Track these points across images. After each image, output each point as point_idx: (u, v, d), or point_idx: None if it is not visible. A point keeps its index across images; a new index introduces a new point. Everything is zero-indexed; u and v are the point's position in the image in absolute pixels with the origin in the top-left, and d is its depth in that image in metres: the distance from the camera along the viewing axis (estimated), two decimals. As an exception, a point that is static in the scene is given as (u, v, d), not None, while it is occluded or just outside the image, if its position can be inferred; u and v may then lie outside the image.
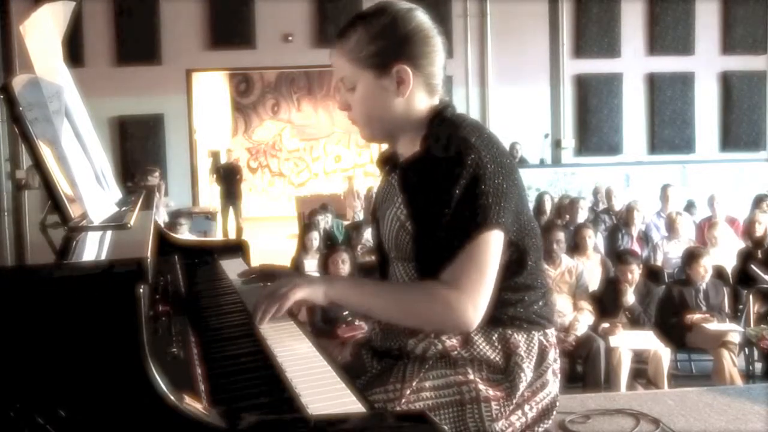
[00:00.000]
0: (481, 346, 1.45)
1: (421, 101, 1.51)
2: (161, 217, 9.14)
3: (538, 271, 1.53)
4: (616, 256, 5.33)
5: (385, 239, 1.55)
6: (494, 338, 1.45)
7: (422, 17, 1.50)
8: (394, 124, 1.52)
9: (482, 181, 1.36)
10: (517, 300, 1.46)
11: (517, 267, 1.46)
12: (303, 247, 6.68)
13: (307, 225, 7.37)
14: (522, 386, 1.45)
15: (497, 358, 1.45)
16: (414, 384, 1.43)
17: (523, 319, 1.47)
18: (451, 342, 1.45)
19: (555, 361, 1.52)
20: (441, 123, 1.48)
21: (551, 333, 1.52)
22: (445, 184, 1.37)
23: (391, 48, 1.47)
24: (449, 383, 1.44)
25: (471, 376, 1.43)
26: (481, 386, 1.42)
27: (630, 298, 4.91)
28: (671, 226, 6.55)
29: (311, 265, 6.25)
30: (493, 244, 1.38)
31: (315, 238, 6.62)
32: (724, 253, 5.97)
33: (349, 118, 1.57)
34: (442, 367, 1.45)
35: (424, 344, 1.46)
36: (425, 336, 1.46)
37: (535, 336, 1.48)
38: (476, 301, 1.36)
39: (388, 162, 1.64)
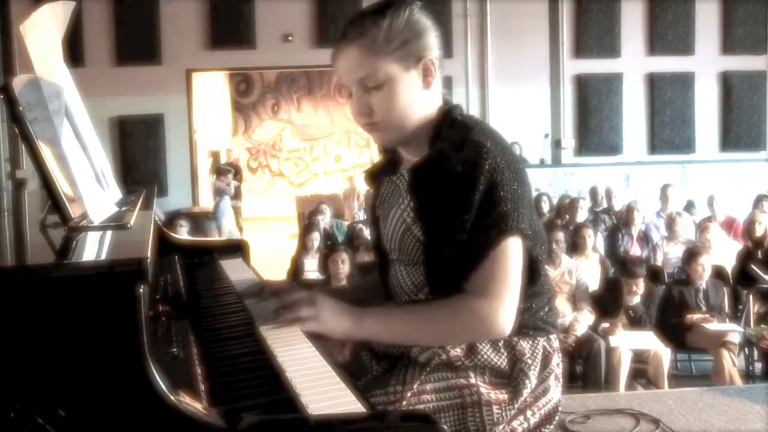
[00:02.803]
0: (486, 355, 1.44)
1: (435, 96, 1.49)
2: (228, 219, 10.33)
3: (546, 277, 1.53)
4: (622, 266, 5.26)
5: (387, 239, 1.52)
6: (500, 345, 1.45)
7: (425, 11, 1.49)
8: (414, 122, 1.47)
9: (500, 187, 1.35)
10: (525, 308, 1.45)
11: (530, 276, 1.44)
12: (303, 247, 6.68)
13: (307, 225, 7.37)
14: (526, 392, 1.44)
15: (503, 365, 1.44)
16: (415, 387, 1.42)
17: (530, 326, 1.46)
18: (456, 352, 1.43)
19: (558, 366, 1.51)
20: (451, 125, 1.45)
21: (554, 338, 1.52)
22: (462, 189, 1.35)
23: (418, 40, 1.45)
24: (450, 386, 1.43)
25: (473, 380, 1.43)
26: (483, 390, 1.41)
27: (634, 299, 4.92)
28: (671, 227, 6.55)
29: (311, 264, 6.25)
30: (515, 251, 1.37)
31: (315, 238, 6.62)
32: (719, 255, 5.95)
33: (366, 123, 1.49)
34: (443, 370, 1.44)
35: (428, 354, 1.44)
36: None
37: (539, 342, 1.48)
38: (506, 307, 1.35)
39: (376, 177, 1.61)
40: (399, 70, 1.44)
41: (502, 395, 1.42)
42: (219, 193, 10.88)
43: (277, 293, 1.78)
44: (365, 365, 1.55)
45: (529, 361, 1.45)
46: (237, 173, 12.20)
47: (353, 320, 1.40)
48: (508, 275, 1.36)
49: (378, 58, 1.43)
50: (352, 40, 1.45)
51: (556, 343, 1.52)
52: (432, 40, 1.46)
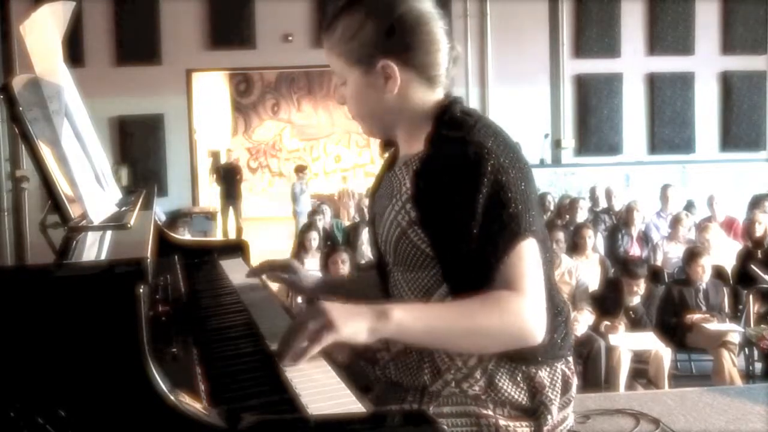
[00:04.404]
0: (506, 392, 1.36)
1: (418, 95, 1.38)
2: (305, 208, 10.93)
3: (558, 294, 1.45)
4: (623, 266, 5.23)
5: (381, 239, 1.44)
6: (519, 378, 1.37)
7: (410, 3, 1.35)
8: (389, 119, 1.41)
9: (506, 189, 1.26)
10: (545, 341, 1.31)
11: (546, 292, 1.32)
12: (303, 247, 6.67)
13: (306, 225, 7.37)
14: (546, 429, 1.38)
15: (523, 400, 1.37)
16: (431, 408, 1.34)
17: (548, 356, 1.38)
18: (474, 391, 1.35)
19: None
20: (450, 123, 1.35)
21: (571, 357, 1.45)
22: (465, 194, 1.26)
23: (373, 43, 1.34)
24: (469, 412, 1.35)
25: (491, 411, 1.36)
26: (502, 422, 1.35)
27: (634, 299, 4.92)
28: (675, 226, 6.54)
29: (311, 264, 6.25)
30: (530, 253, 1.27)
31: (314, 238, 6.62)
32: (719, 255, 5.96)
33: (349, 111, 1.46)
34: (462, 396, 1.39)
35: (447, 392, 1.36)
36: (446, 383, 1.37)
37: (558, 368, 1.41)
38: (539, 303, 1.26)
39: (389, 147, 1.54)
40: (357, 72, 1.37)
41: (522, 429, 1.36)
42: (301, 192, 11.61)
43: (256, 272, 1.81)
44: (368, 376, 1.49)
45: (551, 394, 1.38)
46: (237, 173, 12.21)
47: (374, 315, 1.21)
48: (530, 275, 1.26)
49: (338, 58, 1.38)
50: (324, 33, 1.40)
51: (572, 364, 1.44)
52: (400, 41, 1.34)
